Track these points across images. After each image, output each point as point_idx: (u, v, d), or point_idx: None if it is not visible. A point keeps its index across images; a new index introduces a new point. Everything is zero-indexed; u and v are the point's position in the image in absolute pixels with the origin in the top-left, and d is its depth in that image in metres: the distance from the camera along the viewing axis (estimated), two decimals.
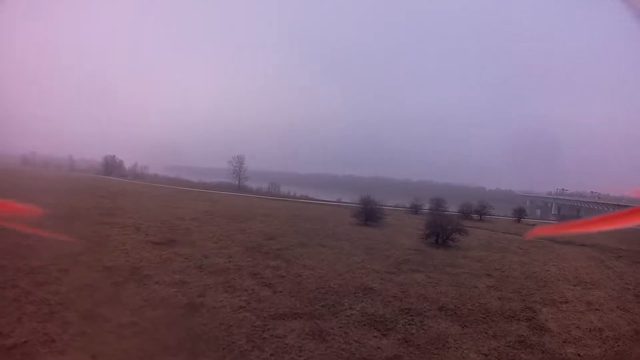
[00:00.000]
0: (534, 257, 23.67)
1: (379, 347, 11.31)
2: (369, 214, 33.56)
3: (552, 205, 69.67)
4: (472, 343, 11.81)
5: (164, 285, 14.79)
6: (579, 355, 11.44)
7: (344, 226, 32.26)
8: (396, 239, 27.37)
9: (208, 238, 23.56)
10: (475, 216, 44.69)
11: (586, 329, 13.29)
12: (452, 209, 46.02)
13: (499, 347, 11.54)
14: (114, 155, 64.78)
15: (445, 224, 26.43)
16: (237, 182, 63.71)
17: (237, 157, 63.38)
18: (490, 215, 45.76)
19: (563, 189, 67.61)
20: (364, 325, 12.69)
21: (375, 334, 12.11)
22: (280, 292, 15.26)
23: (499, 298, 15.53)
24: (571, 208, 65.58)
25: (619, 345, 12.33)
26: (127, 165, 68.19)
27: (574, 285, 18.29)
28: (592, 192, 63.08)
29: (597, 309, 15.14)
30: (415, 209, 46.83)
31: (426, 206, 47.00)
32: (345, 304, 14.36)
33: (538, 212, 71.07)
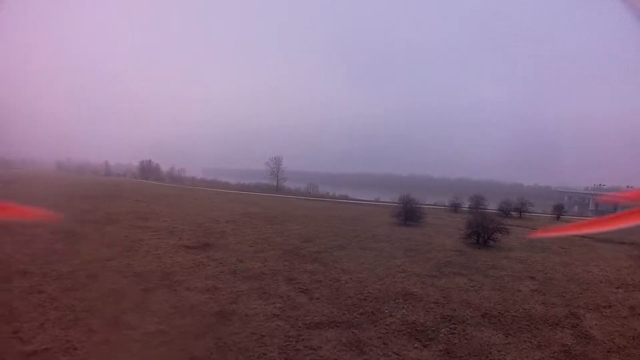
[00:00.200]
0: (575, 257, 23.54)
1: None
2: (408, 213, 33.88)
3: (589, 201, 69.81)
4: (517, 354, 11.39)
5: (195, 292, 14.63)
6: None
7: (383, 227, 31.95)
8: (437, 239, 27.22)
9: (244, 241, 23.47)
10: (514, 214, 44.49)
11: (630, 336, 12.89)
12: (491, 206, 47.01)
13: (543, 358, 11.25)
14: (150, 160, 67.83)
15: (487, 223, 26.54)
16: (275, 183, 64.91)
17: (275, 158, 65.48)
18: (529, 212, 45.42)
19: (600, 184, 69.19)
20: (404, 334, 12.21)
21: (415, 345, 11.63)
22: (317, 298, 14.75)
23: (543, 303, 15.27)
24: (608, 204, 62.19)
25: None
26: (164, 169, 71.08)
27: (617, 288, 18.00)
28: (627, 187, 60.59)
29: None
30: (454, 207, 47.65)
31: (465, 204, 47.75)
32: (385, 311, 13.88)
33: (576, 208, 70.92)
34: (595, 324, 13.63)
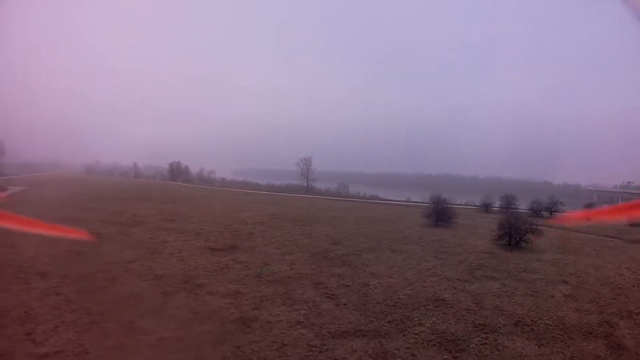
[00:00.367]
0: (607, 259, 23.18)
1: None
2: (440, 214, 34.08)
3: (618, 199, 66.89)
4: None
5: (216, 296, 14.38)
6: None
7: (414, 228, 31.72)
8: (468, 241, 27.16)
9: (271, 243, 23.23)
10: (545, 213, 43.65)
11: None
12: (521, 205, 46.99)
13: None
14: (179, 161, 69.52)
15: (519, 224, 26.52)
16: (305, 184, 65.38)
17: (305, 158, 66.25)
18: (559, 212, 44.26)
19: (629, 182, 68.74)
20: (434, 345, 11.65)
21: (445, 356, 11.10)
22: (344, 304, 14.19)
23: (576, 310, 14.98)
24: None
25: None
26: (194, 170, 72.64)
27: None
28: None
29: None
30: (485, 207, 48.41)
31: (496, 203, 48.05)
32: (415, 318, 13.35)
33: (605, 206, 65.94)
34: (628, 333, 13.27)
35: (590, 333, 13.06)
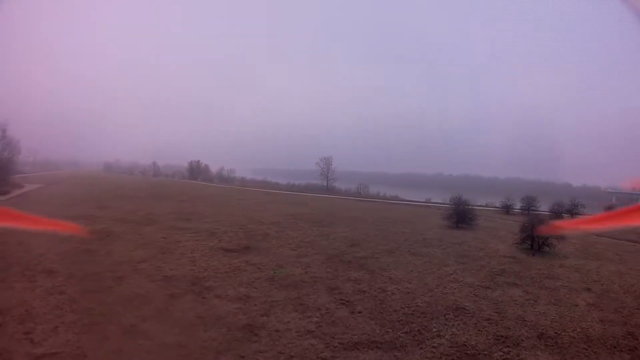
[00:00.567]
0: (630, 265, 22.83)
1: None
2: (460, 216, 33.76)
3: (638, 201, 61.61)
4: None
5: (225, 301, 13.78)
6: None
7: (434, 230, 30.99)
8: (490, 244, 26.69)
9: (286, 244, 22.63)
10: (566, 216, 42.47)
11: None
12: (542, 207, 46.32)
13: None
14: (199, 160, 69.92)
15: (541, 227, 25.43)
16: (325, 184, 64.92)
17: (325, 158, 65.64)
18: (580, 214, 43.06)
19: None
20: (453, 359, 10.85)
21: None
22: (359, 312, 13.39)
23: (601, 320, 14.38)
24: None
25: None
26: (214, 169, 72.96)
27: None
28: None
29: None
30: (506, 209, 47.88)
31: (517, 205, 47.42)
32: (433, 329, 12.54)
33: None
34: None
35: (615, 347, 12.42)
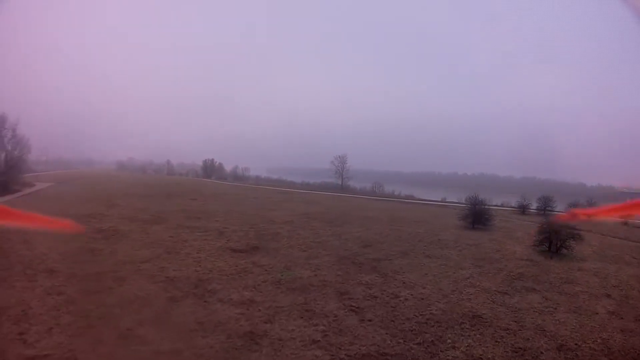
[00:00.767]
0: None
1: None
2: (477, 216, 33.20)
3: None
4: None
5: (227, 305, 13.25)
6: None
7: (450, 230, 30.23)
8: (507, 246, 26.00)
9: (297, 245, 22.04)
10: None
11: None
12: (558, 207, 45.39)
13: None
14: (212, 159, 69.93)
15: (559, 228, 25.43)
16: (340, 182, 64.44)
17: (339, 156, 64.99)
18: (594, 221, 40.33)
19: None
20: None
21: None
22: (369, 320, 12.68)
23: (621, 330, 13.78)
24: None
25: None
26: (228, 168, 72.88)
27: None
28: None
29: None
30: (522, 209, 47.04)
31: (533, 205, 46.70)
32: (448, 340, 11.90)
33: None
34: None
35: (636, 359, 12.03)
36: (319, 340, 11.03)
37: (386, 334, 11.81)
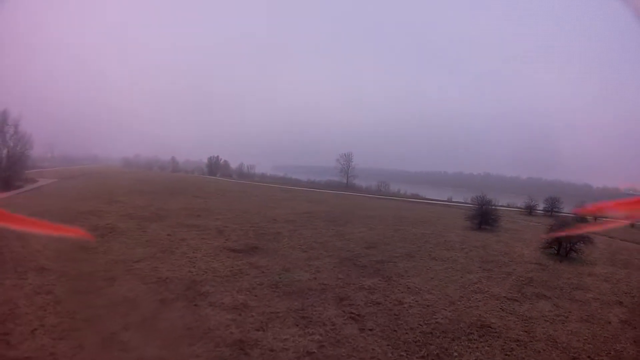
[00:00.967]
0: None
1: None
2: (484, 217, 32.76)
3: None
4: None
5: (218, 310, 12.63)
6: None
7: (456, 231, 29.69)
8: (515, 248, 25.69)
9: (297, 245, 21.47)
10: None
11: None
12: (564, 208, 45.81)
13: None
14: (218, 156, 69.70)
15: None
16: (345, 181, 64.21)
17: (345, 155, 64.92)
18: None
19: None
20: None
21: None
22: (370, 330, 11.97)
23: (634, 341, 13.22)
24: None
25: None
26: (233, 165, 72.65)
27: None
28: None
29: None
30: (529, 210, 47.52)
31: (539, 206, 47.10)
32: (454, 353, 11.15)
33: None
34: None
35: None
36: (314, 352, 10.34)
37: (387, 345, 11.09)
